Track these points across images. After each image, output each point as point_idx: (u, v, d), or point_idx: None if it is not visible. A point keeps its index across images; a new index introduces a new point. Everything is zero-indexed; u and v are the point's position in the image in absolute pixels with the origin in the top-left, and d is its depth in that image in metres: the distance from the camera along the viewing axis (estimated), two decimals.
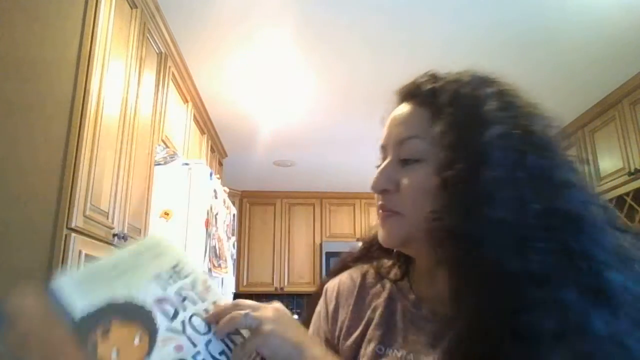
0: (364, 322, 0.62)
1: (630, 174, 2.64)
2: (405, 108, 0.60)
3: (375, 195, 0.60)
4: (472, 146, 0.50)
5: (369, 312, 0.63)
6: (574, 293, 0.43)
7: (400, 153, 0.58)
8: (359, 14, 2.14)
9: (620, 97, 2.73)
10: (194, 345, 0.47)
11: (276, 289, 4.99)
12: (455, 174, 0.50)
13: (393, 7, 2.09)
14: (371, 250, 0.69)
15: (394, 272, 0.65)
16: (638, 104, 2.62)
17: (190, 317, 0.49)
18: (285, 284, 5.01)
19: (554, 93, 2.87)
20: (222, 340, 0.49)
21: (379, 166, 0.60)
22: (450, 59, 2.71)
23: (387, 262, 0.67)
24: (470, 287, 0.47)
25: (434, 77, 0.59)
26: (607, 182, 2.87)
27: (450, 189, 0.50)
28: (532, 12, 2.11)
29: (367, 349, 0.59)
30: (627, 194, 2.71)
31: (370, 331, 0.61)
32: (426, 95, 0.58)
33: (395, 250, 0.65)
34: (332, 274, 0.73)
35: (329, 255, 5.01)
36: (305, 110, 3.17)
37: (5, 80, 1.47)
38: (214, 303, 0.51)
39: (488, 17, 2.15)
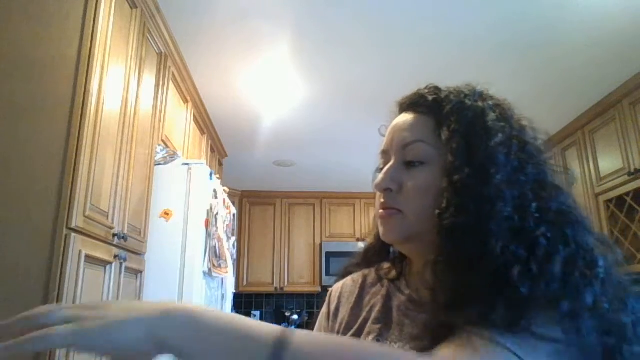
0: (362, 318, 0.67)
1: (630, 174, 2.63)
2: (409, 116, 0.64)
3: (377, 195, 0.64)
4: (479, 151, 0.55)
5: (367, 309, 0.68)
6: (571, 270, 0.49)
7: (405, 156, 0.62)
8: (361, 14, 2.14)
9: (620, 97, 2.73)
10: None
11: (276, 289, 4.99)
12: (465, 177, 0.55)
13: (394, 7, 2.09)
14: (368, 256, 0.74)
15: (391, 273, 0.70)
16: (638, 104, 2.62)
17: None
18: (285, 284, 5.01)
19: (554, 93, 2.87)
20: None
21: (379, 169, 0.65)
22: (449, 60, 2.73)
23: (385, 265, 0.72)
24: (471, 277, 0.50)
25: (437, 89, 0.64)
26: (607, 182, 2.87)
27: (461, 190, 0.54)
28: (531, 13, 2.11)
29: (366, 341, 0.63)
30: (627, 194, 2.71)
31: (369, 325, 0.65)
32: (430, 105, 0.62)
33: (391, 253, 0.71)
34: (337, 280, 0.79)
35: (329, 255, 5.01)
36: (306, 110, 3.17)
37: (6, 80, 1.47)
38: None
39: (487, 18, 2.15)
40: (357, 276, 0.75)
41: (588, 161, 3.06)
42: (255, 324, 0.43)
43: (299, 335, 0.42)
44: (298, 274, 5.05)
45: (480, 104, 0.60)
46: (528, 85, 2.76)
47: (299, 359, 0.40)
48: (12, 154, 1.41)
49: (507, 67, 2.58)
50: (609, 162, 2.85)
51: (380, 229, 0.63)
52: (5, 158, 1.40)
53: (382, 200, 0.63)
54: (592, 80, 2.70)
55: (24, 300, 1.30)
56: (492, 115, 0.58)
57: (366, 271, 0.74)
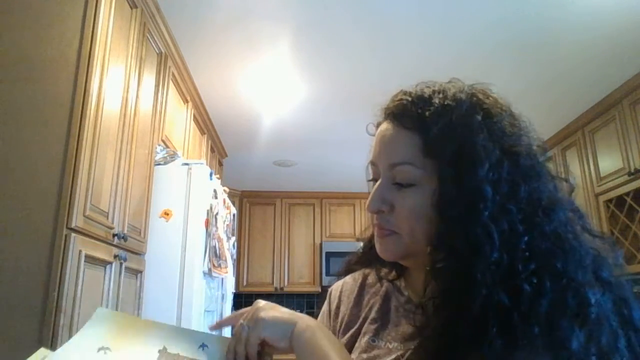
0: (361, 318, 0.68)
1: (630, 174, 2.63)
2: (394, 129, 0.61)
3: (369, 214, 0.63)
4: (467, 183, 0.53)
5: (366, 309, 0.69)
6: (559, 313, 0.49)
7: (393, 176, 0.60)
8: (361, 14, 2.14)
9: (620, 97, 2.73)
10: None
11: (276, 289, 4.99)
12: (456, 214, 0.53)
13: (393, 8, 2.09)
14: (368, 253, 0.72)
15: (391, 274, 0.70)
16: (638, 104, 2.62)
17: None
18: (285, 284, 5.01)
19: (553, 93, 2.87)
20: None
21: (370, 180, 0.65)
22: (449, 60, 2.73)
23: (385, 265, 0.71)
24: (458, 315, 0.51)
25: (421, 100, 0.60)
26: (607, 182, 2.87)
27: (451, 228, 0.54)
28: (531, 13, 2.11)
29: (362, 341, 0.65)
30: (627, 194, 2.71)
31: (366, 325, 0.66)
32: (416, 120, 0.59)
33: None
34: (338, 277, 0.79)
35: (329, 255, 5.01)
36: (306, 110, 3.17)
37: (5, 80, 1.47)
38: None
39: (486, 17, 2.15)
40: (357, 275, 0.75)
41: (588, 161, 3.06)
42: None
43: None
44: (298, 274, 5.05)
45: (468, 120, 0.56)
46: (528, 85, 2.75)
47: None
48: (12, 154, 1.41)
49: (507, 67, 2.58)
50: (609, 162, 2.85)
51: (377, 247, 0.63)
52: (6, 158, 1.40)
53: (376, 221, 0.62)
54: (592, 80, 2.70)
55: (24, 300, 1.30)
56: (480, 137, 0.55)
57: (367, 270, 0.74)
